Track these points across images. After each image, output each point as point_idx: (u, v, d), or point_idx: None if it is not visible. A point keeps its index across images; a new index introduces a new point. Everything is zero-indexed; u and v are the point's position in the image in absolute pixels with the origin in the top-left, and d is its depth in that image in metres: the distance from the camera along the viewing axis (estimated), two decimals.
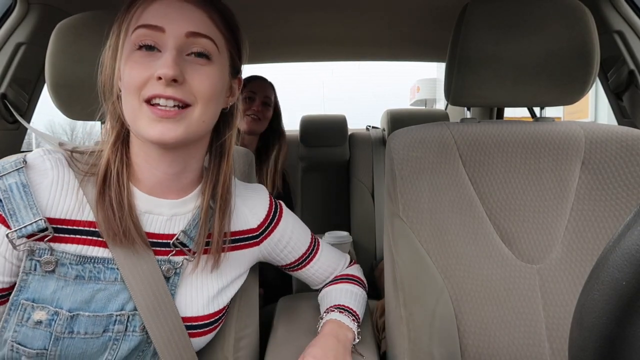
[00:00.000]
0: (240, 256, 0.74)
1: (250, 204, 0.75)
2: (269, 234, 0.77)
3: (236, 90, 0.69)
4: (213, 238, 0.67)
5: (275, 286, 1.37)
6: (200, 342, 0.68)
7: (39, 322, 0.55)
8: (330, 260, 0.86)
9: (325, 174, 2.05)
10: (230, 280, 0.73)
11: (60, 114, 0.85)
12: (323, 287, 0.87)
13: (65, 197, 0.59)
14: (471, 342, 0.74)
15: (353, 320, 0.78)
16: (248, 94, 1.48)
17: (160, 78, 0.54)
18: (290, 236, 0.79)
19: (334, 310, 0.78)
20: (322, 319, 0.79)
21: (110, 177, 0.60)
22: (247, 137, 1.52)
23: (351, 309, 0.79)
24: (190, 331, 0.66)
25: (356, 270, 0.90)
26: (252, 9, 1.28)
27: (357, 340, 0.78)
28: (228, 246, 0.70)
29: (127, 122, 0.59)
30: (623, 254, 0.30)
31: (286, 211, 0.81)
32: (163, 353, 0.63)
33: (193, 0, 0.59)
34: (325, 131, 2.03)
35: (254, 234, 0.75)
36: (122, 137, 0.63)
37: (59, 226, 0.58)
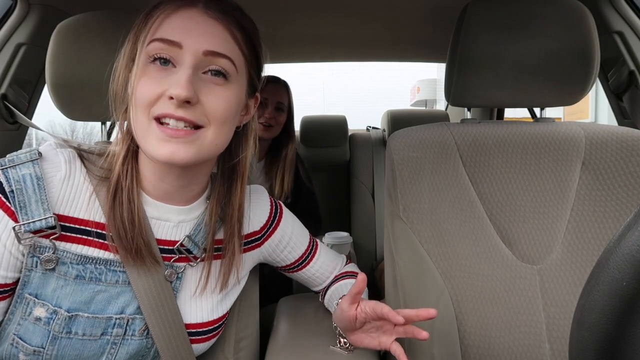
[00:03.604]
0: (243, 260, 0.74)
1: (253, 208, 0.75)
2: (270, 235, 0.77)
3: (252, 109, 0.66)
4: (227, 248, 0.67)
5: (276, 286, 1.37)
6: (202, 347, 0.68)
7: (39, 319, 0.55)
8: (329, 260, 0.86)
9: (326, 174, 2.05)
10: (232, 284, 0.73)
11: (61, 114, 0.85)
12: (327, 288, 0.87)
13: (76, 194, 0.58)
14: (471, 342, 0.74)
15: None
16: (261, 99, 1.39)
17: (172, 97, 0.52)
18: (290, 236, 0.79)
19: None
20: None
21: (121, 194, 0.58)
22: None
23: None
24: (193, 337, 0.66)
25: (353, 267, 0.90)
26: (252, 9, 1.28)
27: None
28: (242, 249, 0.70)
29: (136, 138, 0.57)
30: (623, 254, 0.30)
31: (286, 212, 0.81)
32: (164, 354, 0.63)
33: (215, 15, 0.55)
34: (325, 132, 2.03)
35: (257, 237, 0.75)
36: (132, 150, 0.61)
37: (66, 224, 0.57)
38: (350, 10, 1.34)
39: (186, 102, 0.52)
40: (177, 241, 0.64)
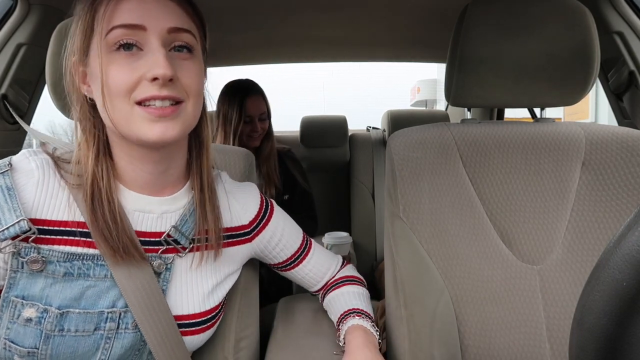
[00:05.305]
0: (233, 252, 0.74)
1: (241, 201, 0.75)
2: (260, 231, 0.77)
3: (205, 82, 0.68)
4: (210, 232, 0.67)
5: (275, 286, 1.37)
6: (195, 340, 0.68)
7: (29, 320, 0.55)
8: (322, 260, 0.85)
9: (326, 174, 2.06)
10: (223, 276, 0.73)
11: (61, 114, 0.85)
12: (325, 292, 0.86)
13: (52, 198, 0.58)
14: (472, 342, 0.74)
15: (371, 323, 0.77)
16: (245, 119, 1.41)
17: (155, 79, 0.53)
18: (282, 234, 0.79)
19: (353, 316, 0.76)
20: (341, 324, 0.77)
21: (99, 195, 0.58)
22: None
23: (365, 312, 0.79)
24: (184, 329, 0.66)
25: (352, 270, 0.89)
26: (252, 9, 1.28)
27: (380, 341, 0.76)
28: (224, 242, 0.70)
29: (117, 127, 0.56)
30: (624, 254, 0.30)
31: (277, 209, 0.81)
32: (156, 350, 0.62)
33: None
34: (325, 132, 2.03)
35: (246, 231, 0.75)
36: (103, 145, 0.60)
37: (45, 227, 0.57)
38: (350, 10, 1.34)
39: (168, 80, 0.54)
40: (163, 232, 0.64)
